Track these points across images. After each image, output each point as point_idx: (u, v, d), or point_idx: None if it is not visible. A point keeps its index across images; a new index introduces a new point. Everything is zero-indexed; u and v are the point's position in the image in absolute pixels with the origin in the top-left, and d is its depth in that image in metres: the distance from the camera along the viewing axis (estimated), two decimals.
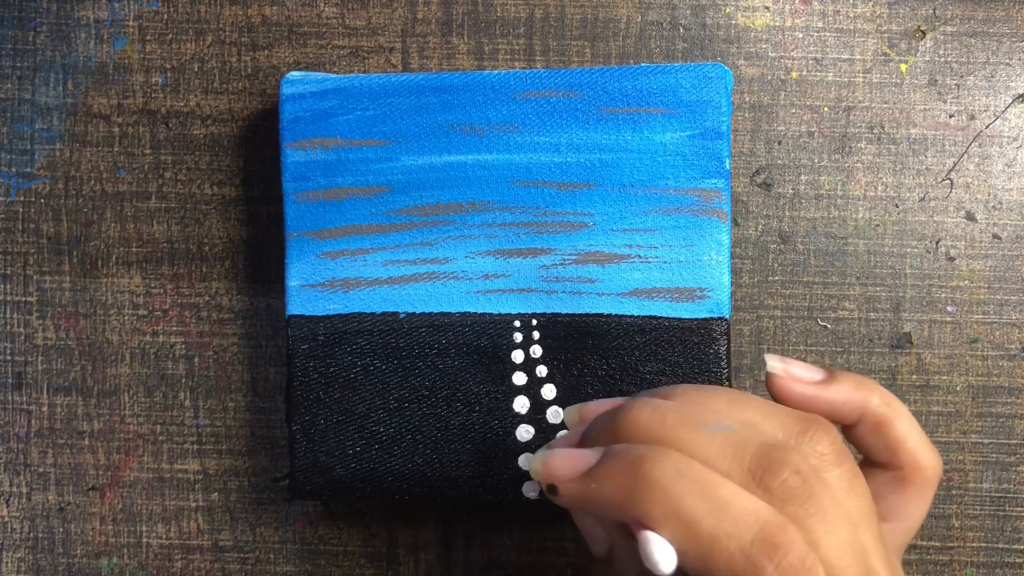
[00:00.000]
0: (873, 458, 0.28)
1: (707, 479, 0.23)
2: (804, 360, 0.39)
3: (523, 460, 0.26)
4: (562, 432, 0.36)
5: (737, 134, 0.39)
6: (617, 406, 0.27)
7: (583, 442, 0.27)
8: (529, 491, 0.36)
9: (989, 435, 0.39)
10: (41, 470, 0.40)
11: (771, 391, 0.28)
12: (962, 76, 0.39)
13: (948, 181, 0.39)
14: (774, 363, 0.28)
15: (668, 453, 0.24)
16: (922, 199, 0.39)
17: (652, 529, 0.23)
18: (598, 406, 0.29)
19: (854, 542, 0.24)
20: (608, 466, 0.25)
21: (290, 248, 0.36)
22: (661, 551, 0.23)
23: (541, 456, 0.26)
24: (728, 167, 0.36)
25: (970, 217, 0.39)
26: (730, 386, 0.36)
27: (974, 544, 0.39)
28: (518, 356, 0.36)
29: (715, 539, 0.23)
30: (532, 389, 0.36)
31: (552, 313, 0.36)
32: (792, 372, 0.28)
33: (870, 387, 0.28)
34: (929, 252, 0.39)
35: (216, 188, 0.40)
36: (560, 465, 0.26)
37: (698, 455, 0.24)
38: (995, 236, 0.39)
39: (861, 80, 0.39)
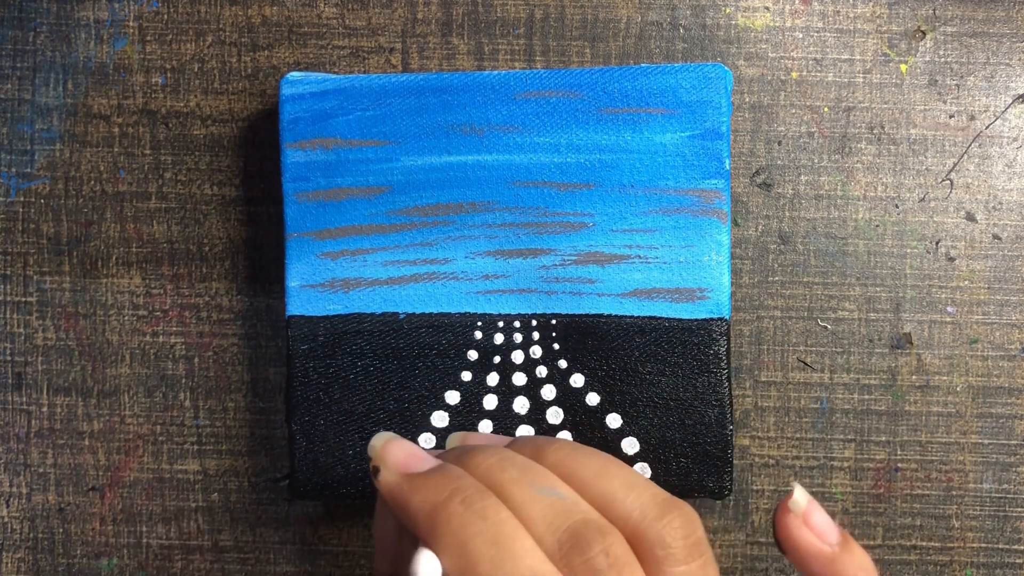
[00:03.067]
0: None
1: (507, 530, 0.23)
2: (805, 360, 0.39)
3: (375, 438, 0.26)
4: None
5: (737, 134, 0.39)
6: (488, 445, 0.27)
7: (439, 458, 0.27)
8: None
9: (989, 435, 0.39)
10: (41, 470, 0.40)
11: (777, 525, 0.26)
12: (962, 76, 0.39)
13: (948, 181, 0.39)
14: (799, 496, 0.26)
15: (484, 495, 0.24)
16: (922, 199, 0.39)
17: (436, 554, 0.23)
18: (479, 438, 0.29)
19: None
20: (429, 480, 0.25)
21: (290, 248, 0.36)
22: (428, 568, 0.23)
23: (386, 437, 0.26)
24: (728, 167, 0.36)
25: (970, 217, 0.39)
26: (729, 386, 0.36)
27: (974, 544, 0.39)
28: (518, 357, 0.36)
29: None
30: (532, 390, 0.36)
31: (552, 314, 0.36)
32: (812, 520, 0.26)
33: None
34: (929, 252, 0.39)
35: (216, 188, 0.40)
36: (395, 454, 0.26)
37: (519, 512, 0.24)
38: (995, 236, 0.39)
39: (861, 80, 0.39)
